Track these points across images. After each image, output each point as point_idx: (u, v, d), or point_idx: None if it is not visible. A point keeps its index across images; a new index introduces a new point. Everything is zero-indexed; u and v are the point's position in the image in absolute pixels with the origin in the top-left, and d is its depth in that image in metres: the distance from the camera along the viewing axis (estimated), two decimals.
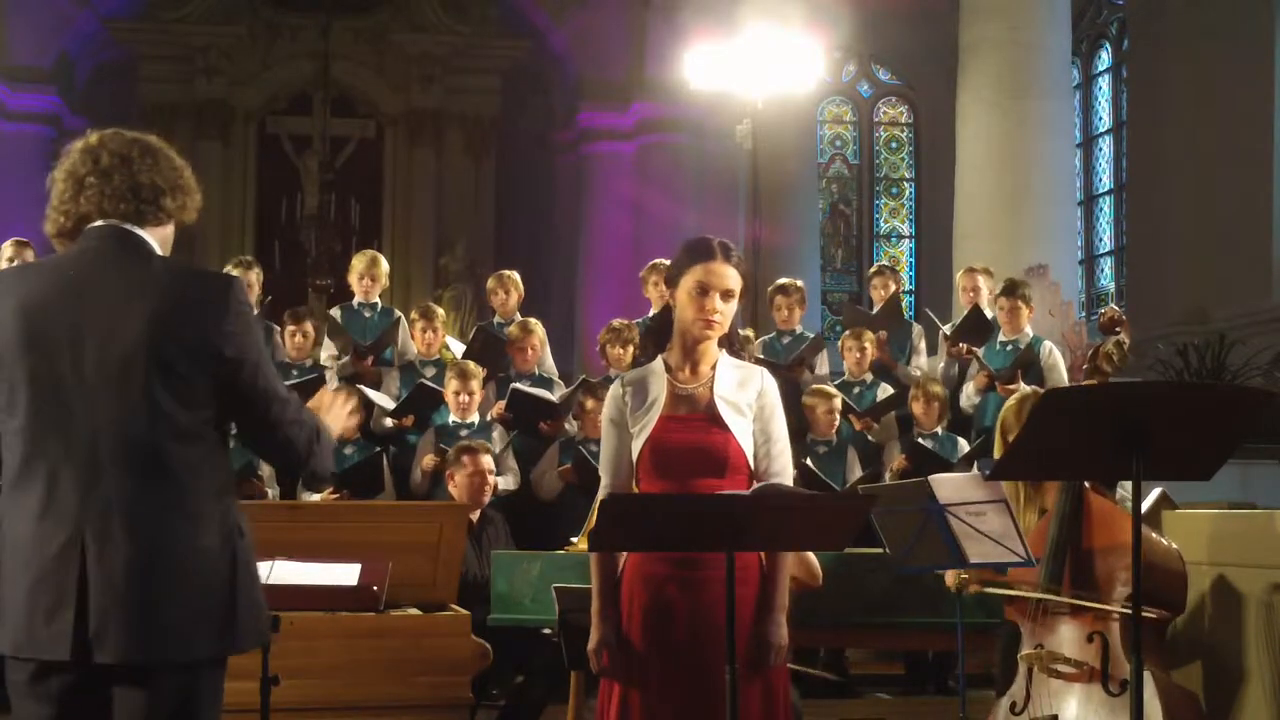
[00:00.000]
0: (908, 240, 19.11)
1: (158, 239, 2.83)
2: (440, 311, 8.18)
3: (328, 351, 8.12)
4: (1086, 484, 4.39)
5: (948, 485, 4.23)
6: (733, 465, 3.44)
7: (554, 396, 7.52)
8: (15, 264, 6.26)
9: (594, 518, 3.53)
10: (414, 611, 5.02)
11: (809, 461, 7.13)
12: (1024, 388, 6.84)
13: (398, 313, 8.33)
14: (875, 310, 8.62)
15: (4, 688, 2.75)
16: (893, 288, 8.67)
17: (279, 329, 7.85)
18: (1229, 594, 4.43)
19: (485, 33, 17.31)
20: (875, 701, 7.07)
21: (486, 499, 6.30)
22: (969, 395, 7.92)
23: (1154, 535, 4.36)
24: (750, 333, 8.52)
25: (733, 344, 3.57)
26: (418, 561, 5.05)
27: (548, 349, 7.92)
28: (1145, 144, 15.47)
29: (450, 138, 17.35)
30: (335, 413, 3.05)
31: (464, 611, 5.05)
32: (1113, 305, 7.43)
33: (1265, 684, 4.25)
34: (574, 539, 5.70)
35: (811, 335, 8.43)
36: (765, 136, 11.89)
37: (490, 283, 8.40)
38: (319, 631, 4.63)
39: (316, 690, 4.59)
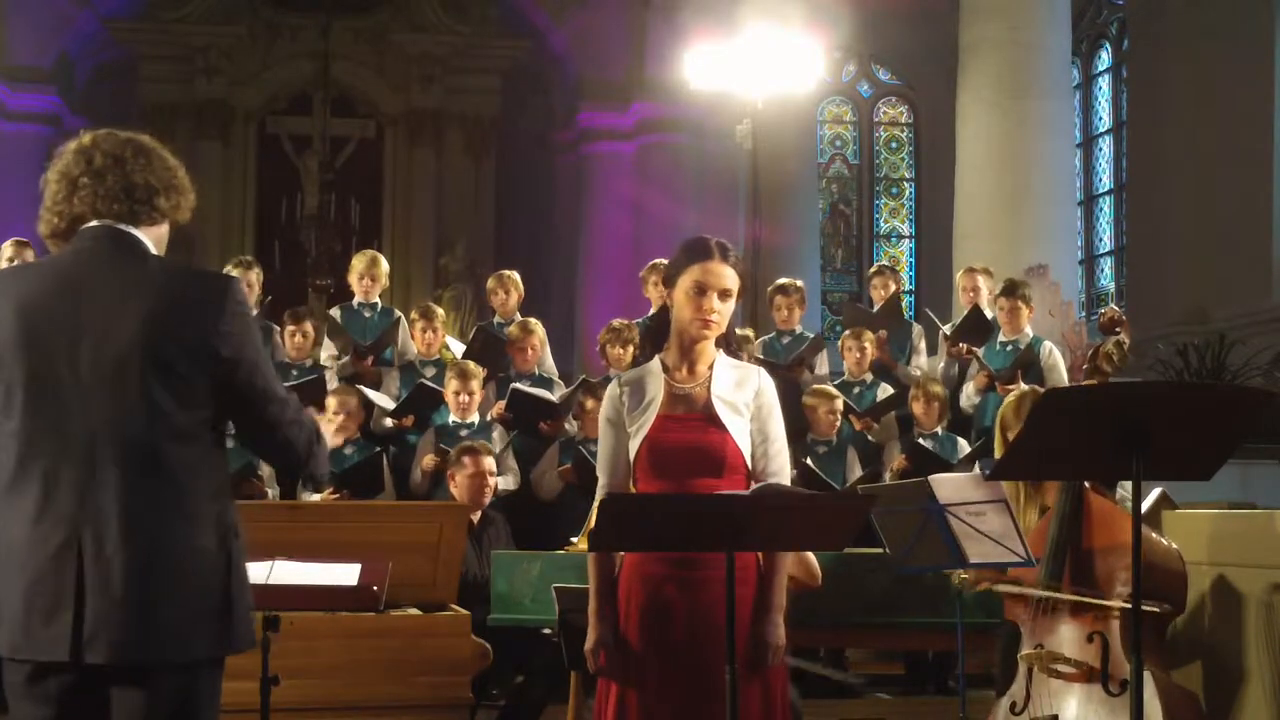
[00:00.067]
0: (908, 240, 19.11)
1: (152, 239, 2.83)
2: (440, 311, 8.18)
3: (328, 351, 8.12)
4: (1086, 484, 4.39)
5: (948, 485, 4.23)
6: (730, 465, 3.44)
7: (554, 396, 7.51)
8: (14, 264, 6.26)
9: (594, 518, 3.53)
10: (414, 611, 5.02)
11: (809, 461, 7.13)
12: (1023, 387, 6.84)
13: (398, 313, 8.32)
14: (875, 310, 8.63)
15: (2, 689, 2.75)
16: (893, 287, 8.67)
17: (279, 329, 7.85)
18: (1229, 594, 4.43)
19: (485, 33, 17.31)
20: (875, 701, 7.06)
21: (487, 500, 6.30)
22: (969, 395, 7.92)
23: (1154, 535, 4.36)
24: (750, 332, 8.53)
25: (730, 344, 3.57)
26: (418, 561, 5.05)
27: (548, 349, 7.92)
28: (1145, 144, 15.47)
29: (450, 138, 17.36)
30: (321, 428, 3.04)
31: (464, 611, 5.05)
32: (1113, 305, 7.43)
33: (1265, 684, 4.25)
34: (574, 539, 5.70)
35: (811, 335, 8.43)
36: (765, 136, 11.88)
37: (490, 283, 8.40)
38: (319, 631, 4.62)
39: (316, 690, 4.59)
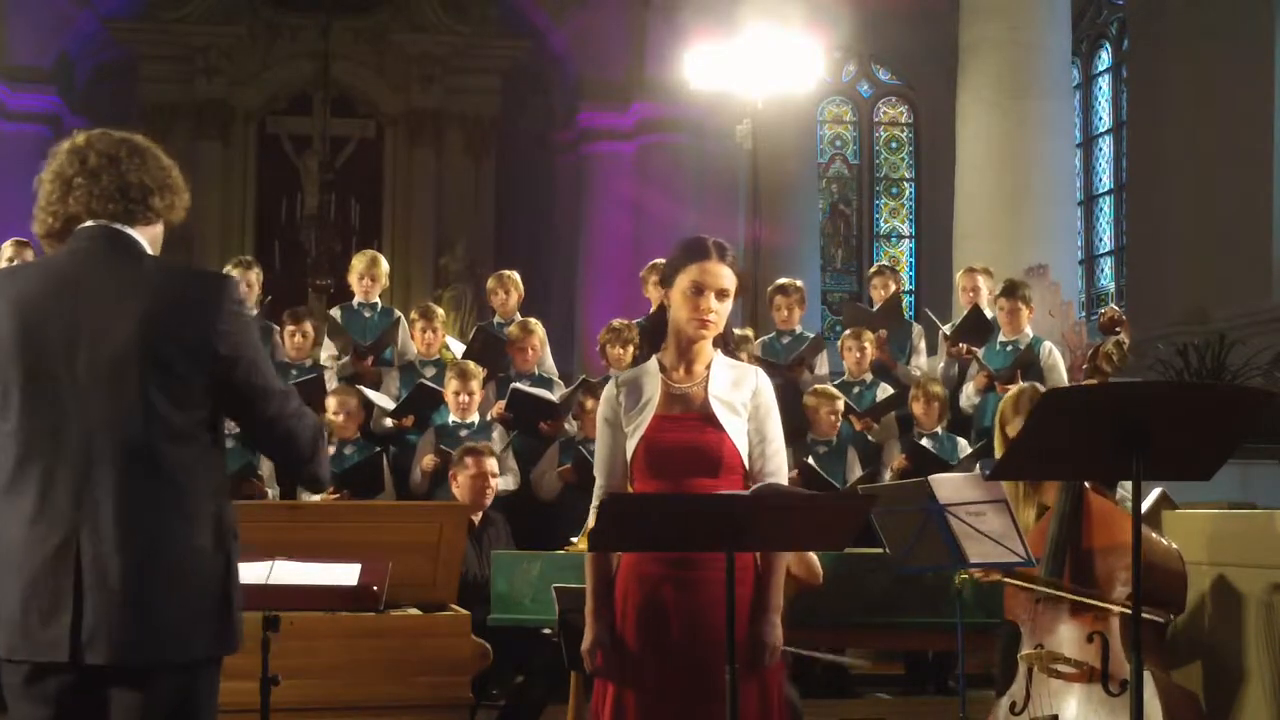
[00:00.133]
0: (908, 240, 19.11)
1: (148, 238, 2.82)
2: (440, 311, 8.18)
3: (328, 351, 8.12)
4: (1086, 484, 4.39)
5: (948, 485, 4.23)
6: (727, 465, 3.43)
7: (554, 396, 7.52)
8: (13, 264, 6.25)
9: (593, 517, 3.53)
10: (414, 611, 5.01)
11: (811, 461, 7.13)
12: (1022, 384, 6.84)
13: (398, 313, 8.32)
14: (875, 310, 8.63)
15: (1, 690, 2.75)
16: (893, 287, 8.67)
17: (278, 329, 7.85)
18: (1229, 594, 4.44)
19: (485, 33, 17.31)
20: (875, 701, 7.07)
21: (489, 500, 6.31)
22: (969, 395, 7.92)
23: (1154, 535, 4.36)
24: (750, 332, 8.53)
25: (727, 344, 3.57)
26: (418, 561, 5.05)
27: (548, 349, 7.92)
28: (1145, 144, 15.47)
29: (450, 138, 17.36)
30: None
31: (464, 611, 5.05)
32: (1113, 305, 7.42)
33: (1265, 684, 4.26)
34: (574, 539, 5.70)
35: (811, 335, 8.42)
36: (765, 136, 11.88)
37: (490, 283, 8.40)
38: (319, 631, 4.62)
39: (316, 690, 4.59)
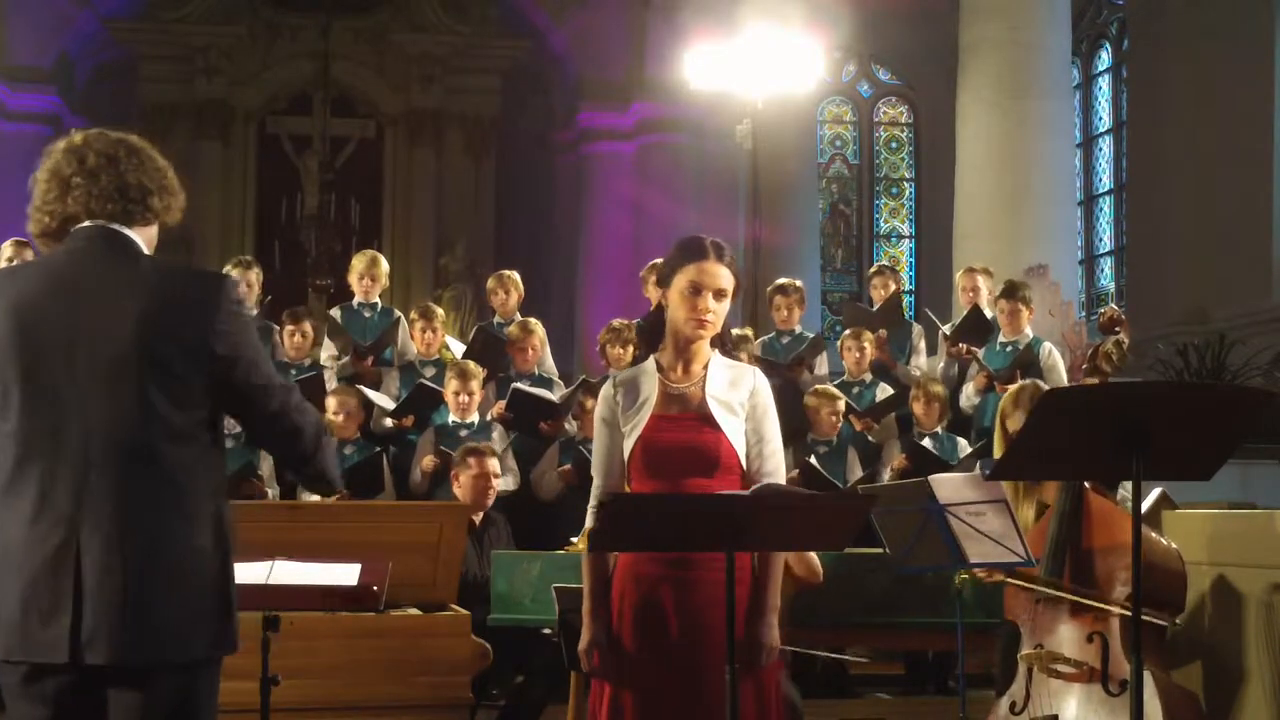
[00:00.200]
0: (908, 240, 19.11)
1: (144, 239, 2.82)
2: (440, 311, 8.18)
3: (328, 352, 8.12)
4: (1086, 483, 4.39)
5: (948, 485, 4.23)
6: (724, 465, 3.43)
7: (554, 397, 7.51)
8: (13, 264, 6.25)
9: (590, 517, 3.53)
10: (414, 611, 5.01)
11: (813, 460, 7.14)
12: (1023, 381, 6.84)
13: (397, 313, 8.33)
14: (875, 310, 8.63)
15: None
16: (893, 287, 8.68)
17: (278, 329, 7.85)
18: (1229, 594, 4.44)
19: (485, 33, 17.31)
20: (875, 701, 7.06)
21: (490, 501, 6.31)
22: (969, 396, 7.92)
23: (1154, 535, 4.36)
24: (749, 332, 8.53)
25: (725, 344, 3.56)
26: (418, 561, 5.05)
27: (548, 349, 7.92)
28: (1145, 144, 15.47)
29: (450, 138, 17.35)
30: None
31: (464, 611, 5.05)
32: (1112, 305, 7.42)
33: (1265, 684, 4.26)
34: (574, 539, 5.70)
35: (811, 335, 8.42)
36: (765, 136, 11.88)
37: (490, 283, 8.40)
38: (319, 631, 4.62)
39: (316, 690, 4.58)
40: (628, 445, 3.47)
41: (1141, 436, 3.09)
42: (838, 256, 18.93)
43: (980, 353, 7.91)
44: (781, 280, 8.47)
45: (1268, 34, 13.68)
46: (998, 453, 4.82)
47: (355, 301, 8.17)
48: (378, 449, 7.26)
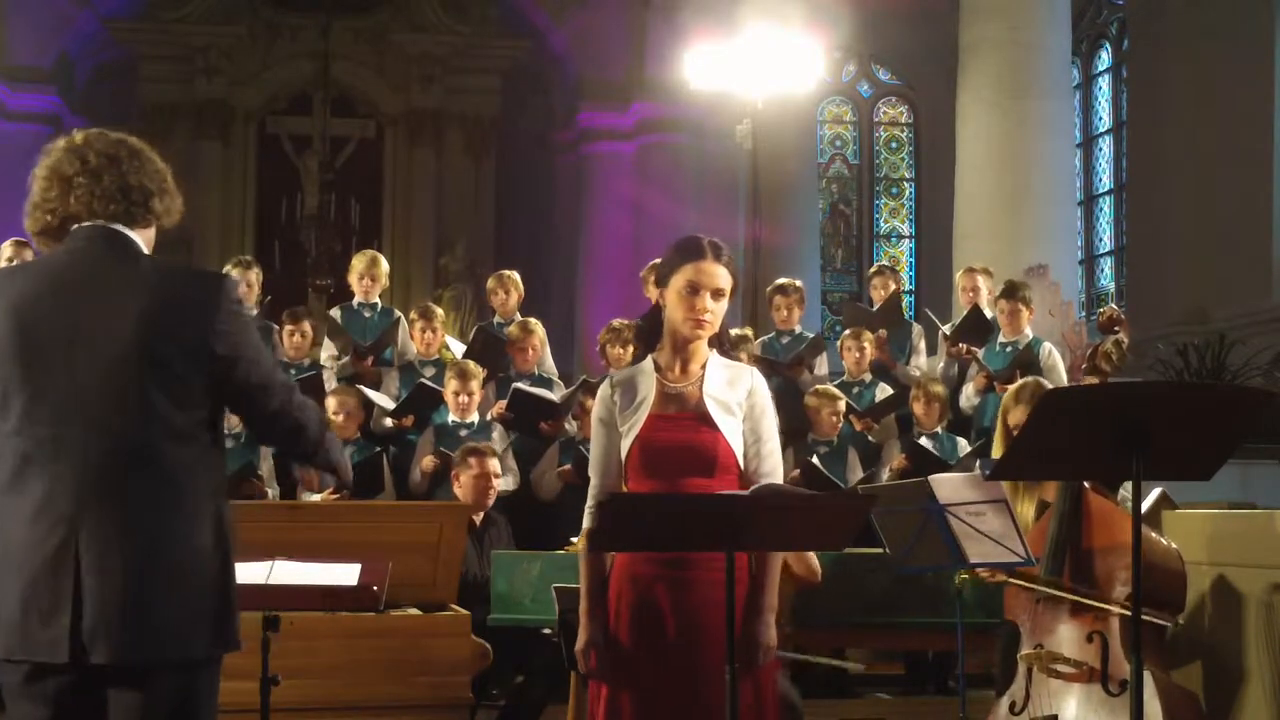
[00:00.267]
0: (908, 240, 19.11)
1: (143, 240, 2.83)
2: (439, 311, 8.18)
3: (328, 352, 8.12)
4: (1085, 483, 4.39)
5: (947, 485, 4.22)
6: (722, 465, 3.42)
7: (555, 396, 7.51)
8: (14, 264, 6.25)
9: (588, 517, 3.53)
10: (414, 611, 5.02)
11: (815, 460, 7.14)
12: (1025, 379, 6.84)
13: (397, 313, 8.33)
14: (874, 310, 8.63)
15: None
16: (893, 287, 8.67)
17: (277, 329, 7.85)
18: (1229, 594, 4.44)
19: (485, 33, 17.31)
20: (875, 701, 7.06)
21: (491, 501, 6.30)
22: (968, 396, 7.92)
23: (1154, 535, 4.36)
24: (749, 332, 8.53)
25: (723, 343, 3.56)
26: (418, 561, 5.05)
27: (548, 349, 7.92)
28: (1145, 144, 15.47)
29: (450, 138, 17.35)
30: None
31: (464, 611, 5.05)
32: (1112, 304, 7.43)
33: (1265, 684, 4.26)
34: (574, 539, 5.69)
35: (810, 335, 8.42)
36: (765, 136, 11.87)
37: (490, 283, 8.40)
38: (319, 631, 4.62)
39: (316, 690, 4.59)
40: (625, 445, 3.46)
41: (1141, 436, 3.09)
42: (838, 256, 18.93)
43: (980, 353, 7.91)
44: (781, 280, 8.47)
45: (1268, 34, 13.68)
46: (999, 449, 4.81)
47: (355, 301, 8.17)
48: (378, 449, 7.26)
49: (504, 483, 6.87)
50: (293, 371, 7.48)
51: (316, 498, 6.84)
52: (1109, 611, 4.18)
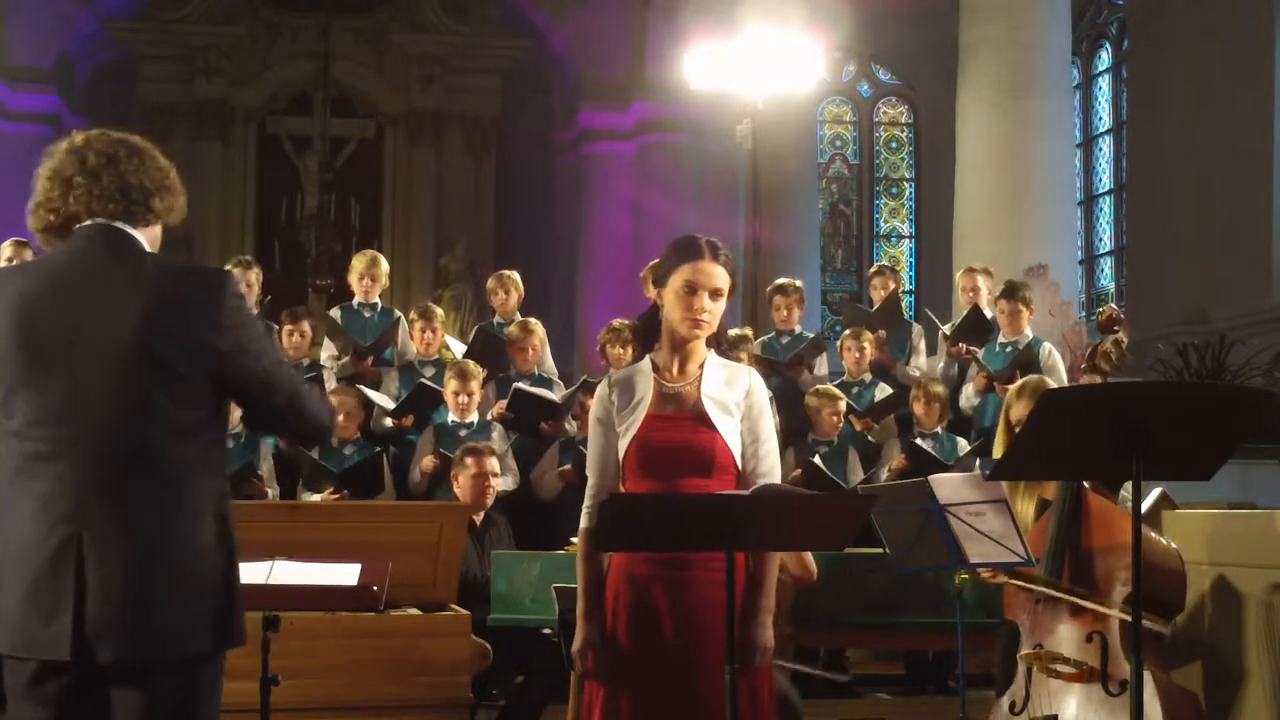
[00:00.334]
0: (908, 240, 19.11)
1: (147, 239, 2.83)
2: (439, 311, 8.18)
3: (328, 352, 8.12)
4: (1085, 483, 4.39)
5: (947, 485, 4.23)
6: (719, 465, 3.42)
7: (555, 396, 7.52)
8: (13, 264, 6.25)
9: (586, 517, 3.53)
10: (414, 611, 5.02)
11: (817, 460, 7.14)
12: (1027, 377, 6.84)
13: (397, 313, 8.33)
14: (874, 310, 8.63)
15: (2, 688, 2.75)
16: (892, 287, 8.67)
17: (277, 329, 7.85)
18: (1229, 594, 4.44)
19: (485, 33, 17.30)
20: (875, 701, 7.06)
21: (490, 500, 6.31)
22: (968, 396, 7.92)
23: (1153, 535, 4.36)
24: (749, 332, 8.53)
25: (721, 343, 3.55)
26: (418, 561, 5.05)
27: (548, 349, 7.92)
28: (1145, 144, 15.47)
29: (450, 138, 17.35)
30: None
31: (464, 611, 5.05)
32: (1111, 304, 7.42)
33: (1265, 684, 4.26)
34: (574, 539, 5.68)
35: (810, 335, 8.42)
36: (765, 136, 11.87)
37: (490, 283, 8.40)
38: (319, 631, 4.63)
39: (316, 690, 4.59)
40: (623, 445, 3.46)
41: (1141, 436, 3.09)
42: (838, 256, 18.93)
43: (980, 353, 7.91)
44: (781, 280, 8.46)
45: (1268, 34, 13.68)
46: (1000, 446, 4.82)
47: (355, 301, 8.18)
48: (378, 449, 7.27)
49: (504, 483, 6.87)
50: None
51: (316, 498, 6.84)
52: (1109, 615, 4.18)
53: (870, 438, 7.73)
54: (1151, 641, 4.10)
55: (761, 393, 3.52)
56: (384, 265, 8.28)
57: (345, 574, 4.45)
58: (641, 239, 14.96)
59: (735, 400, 3.47)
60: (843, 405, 7.43)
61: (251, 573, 3.97)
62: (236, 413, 2.93)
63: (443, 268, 16.87)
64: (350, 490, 6.90)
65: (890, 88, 19.16)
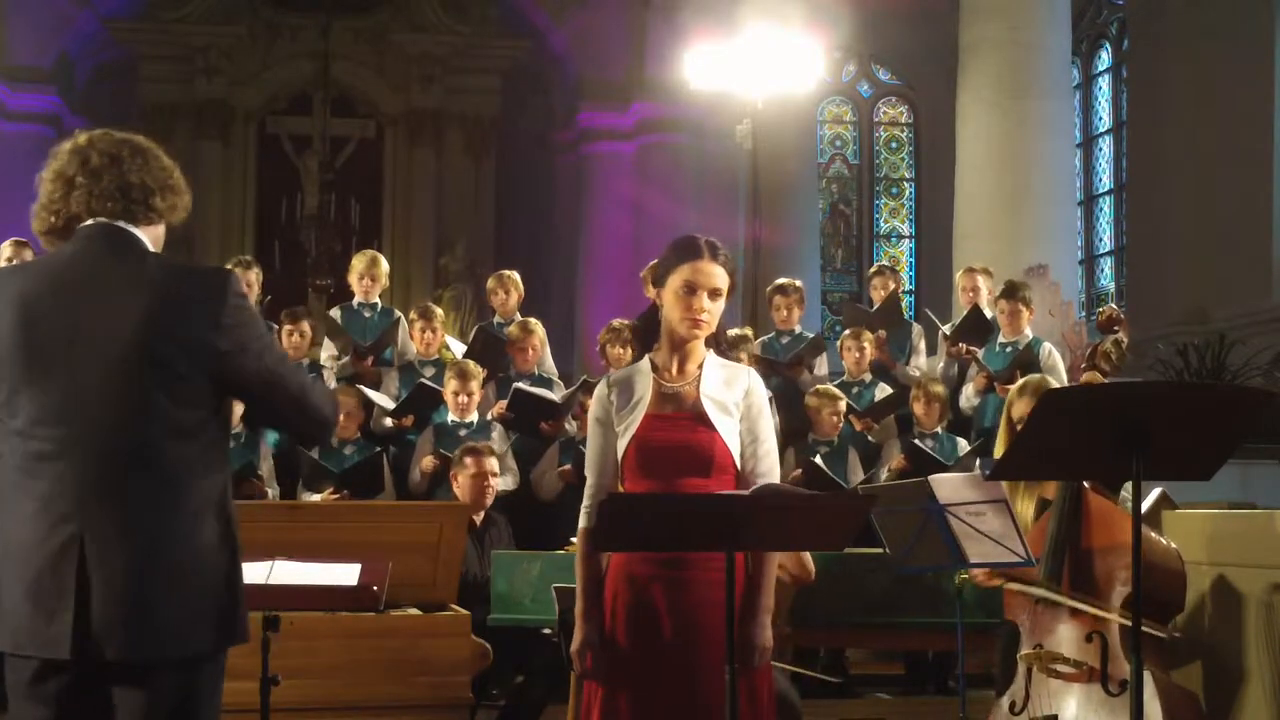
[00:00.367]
0: (908, 240, 19.11)
1: (150, 239, 2.83)
2: (439, 311, 8.18)
3: (328, 352, 8.13)
4: (1085, 483, 4.39)
5: (947, 485, 4.22)
6: (718, 464, 3.42)
7: (555, 396, 7.52)
8: (14, 264, 6.25)
9: (585, 517, 3.53)
10: (414, 611, 5.02)
11: (817, 460, 7.14)
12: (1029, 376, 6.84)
13: (397, 313, 8.33)
14: (874, 310, 8.63)
15: (3, 687, 2.76)
16: (892, 287, 8.67)
17: (276, 329, 7.85)
18: (1229, 594, 4.44)
19: (485, 33, 17.31)
20: (875, 701, 7.06)
21: (489, 500, 6.31)
22: (968, 396, 7.92)
23: (1153, 535, 4.36)
24: (749, 332, 8.53)
25: (720, 343, 3.55)
26: (418, 561, 5.05)
27: (548, 349, 7.92)
28: (1145, 144, 15.47)
29: (450, 138, 17.35)
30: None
31: (464, 611, 5.05)
32: (1111, 304, 7.42)
33: (1265, 684, 4.26)
34: (574, 539, 5.69)
35: (810, 335, 8.42)
36: (765, 136, 11.87)
37: (490, 283, 8.40)
38: (319, 631, 4.63)
39: (316, 690, 4.59)
40: (622, 445, 3.46)
41: (1141, 436, 3.09)
42: (838, 256, 18.93)
43: (980, 353, 7.91)
44: (781, 280, 8.46)
45: (1268, 34, 13.68)
46: (1001, 444, 4.82)
47: (355, 301, 8.18)
48: (378, 449, 7.27)
49: (504, 483, 6.87)
50: None
51: (316, 498, 6.85)
52: (1108, 618, 4.18)
53: (870, 438, 7.73)
54: (1151, 642, 4.10)
55: (760, 393, 3.52)
56: (384, 265, 8.28)
57: (345, 574, 4.45)
58: (641, 239, 14.96)
59: (734, 400, 3.47)
60: (843, 405, 7.43)
61: (252, 573, 3.94)
62: (237, 412, 2.93)
63: (443, 268, 16.87)
64: (350, 490, 6.90)
65: (890, 88, 19.16)
